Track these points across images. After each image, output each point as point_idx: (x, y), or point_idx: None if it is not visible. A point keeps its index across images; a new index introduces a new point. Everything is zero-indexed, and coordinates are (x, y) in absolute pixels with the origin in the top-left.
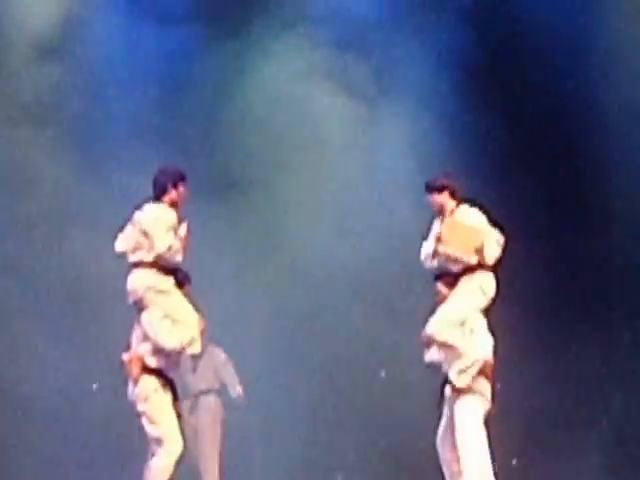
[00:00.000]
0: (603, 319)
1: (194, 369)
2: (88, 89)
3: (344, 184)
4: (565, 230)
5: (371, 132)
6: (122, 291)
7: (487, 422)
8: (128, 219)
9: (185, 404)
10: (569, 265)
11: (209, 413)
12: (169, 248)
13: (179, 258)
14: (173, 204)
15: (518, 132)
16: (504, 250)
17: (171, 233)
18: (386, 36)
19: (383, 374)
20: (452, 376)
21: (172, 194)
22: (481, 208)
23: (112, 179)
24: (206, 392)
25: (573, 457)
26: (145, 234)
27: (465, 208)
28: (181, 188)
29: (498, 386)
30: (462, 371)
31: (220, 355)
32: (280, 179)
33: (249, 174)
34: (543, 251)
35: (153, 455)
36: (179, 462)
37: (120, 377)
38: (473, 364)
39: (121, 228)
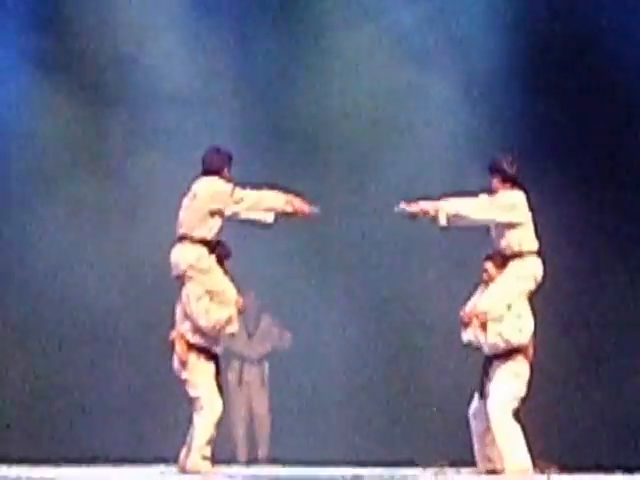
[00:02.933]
0: None
1: (248, 337)
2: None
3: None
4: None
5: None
6: None
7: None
8: None
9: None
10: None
11: (262, 379)
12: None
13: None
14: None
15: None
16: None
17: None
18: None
19: None
20: (511, 335)
21: (226, 174)
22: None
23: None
24: (260, 359)
25: None
26: (196, 208)
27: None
28: (230, 169)
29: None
30: (520, 330)
31: (268, 320)
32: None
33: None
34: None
35: (195, 413)
36: (219, 424)
37: None
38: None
39: None
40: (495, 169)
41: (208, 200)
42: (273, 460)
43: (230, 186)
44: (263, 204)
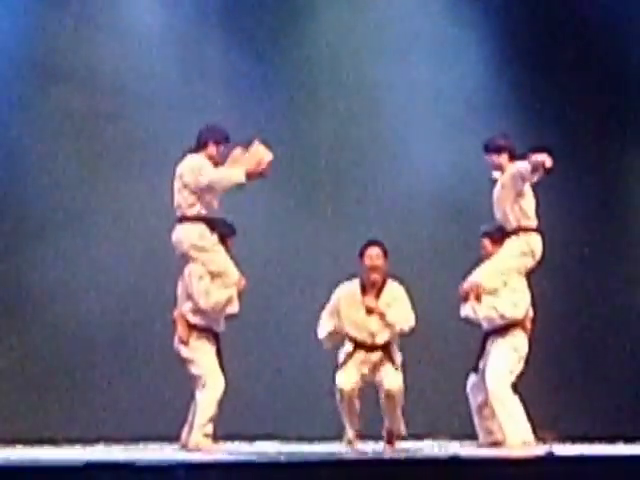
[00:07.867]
0: None
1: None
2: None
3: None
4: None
5: None
6: None
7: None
8: None
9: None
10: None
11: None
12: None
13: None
14: (210, 159)
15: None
16: None
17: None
18: None
19: None
20: (506, 309)
21: (211, 150)
22: None
23: None
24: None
25: None
26: (185, 186)
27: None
28: (221, 147)
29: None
30: (515, 305)
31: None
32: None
33: None
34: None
35: (197, 391)
36: (221, 401)
37: None
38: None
39: None
40: (500, 147)
41: (187, 176)
42: (273, 437)
43: (205, 162)
44: (224, 183)
